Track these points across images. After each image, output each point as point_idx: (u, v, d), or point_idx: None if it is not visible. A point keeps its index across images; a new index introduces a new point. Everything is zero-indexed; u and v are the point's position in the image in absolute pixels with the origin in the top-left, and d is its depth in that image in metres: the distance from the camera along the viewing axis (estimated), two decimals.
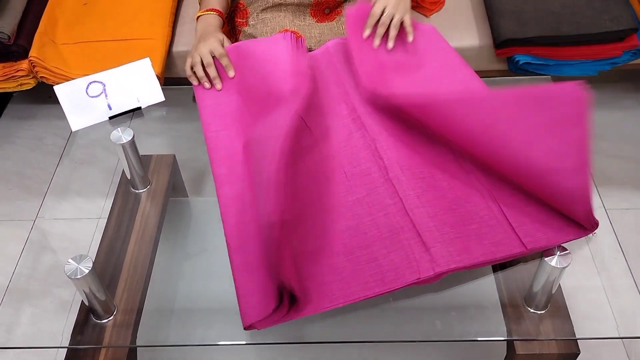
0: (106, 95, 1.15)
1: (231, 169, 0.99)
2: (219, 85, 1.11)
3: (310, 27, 1.26)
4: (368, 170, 0.98)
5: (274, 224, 0.89)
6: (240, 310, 0.83)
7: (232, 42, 1.35)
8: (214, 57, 1.12)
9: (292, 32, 1.16)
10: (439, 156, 0.97)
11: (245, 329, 0.82)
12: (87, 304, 0.90)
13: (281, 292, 0.82)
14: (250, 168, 0.98)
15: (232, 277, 0.88)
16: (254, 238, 0.89)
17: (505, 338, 0.90)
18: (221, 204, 0.95)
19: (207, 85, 1.12)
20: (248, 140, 1.03)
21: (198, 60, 1.12)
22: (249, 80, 1.12)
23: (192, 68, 1.13)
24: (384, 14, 1.12)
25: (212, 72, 1.11)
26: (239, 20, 1.31)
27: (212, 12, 1.22)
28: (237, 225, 0.91)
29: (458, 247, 0.85)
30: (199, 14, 1.23)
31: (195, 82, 1.14)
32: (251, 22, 1.29)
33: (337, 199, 0.95)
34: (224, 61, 1.12)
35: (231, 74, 1.12)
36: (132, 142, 1.05)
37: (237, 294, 0.85)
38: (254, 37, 1.28)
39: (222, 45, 1.13)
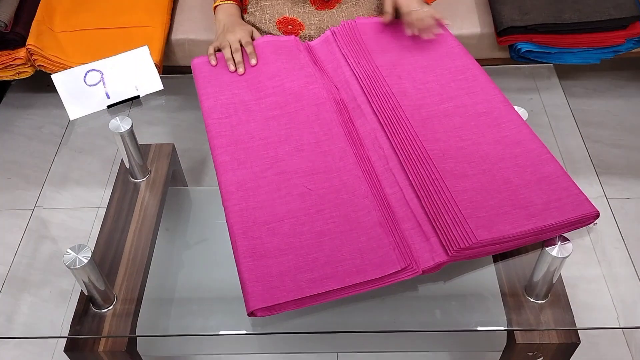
0: (104, 84, 1.14)
1: (233, 157, 0.98)
2: (241, 70, 1.13)
3: (310, 15, 1.25)
4: (368, 159, 0.97)
5: (280, 214, 0.89)
6: (244, 296, 0.83)
7: None
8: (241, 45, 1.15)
9: (295, 37, 1.17)
10: (436, 146, 0.96)
11: (248, 315, 0.82)
12: (86, 293, 0.90)
13: (285, 281, 0.82)
14: (253, 156, 0.98)
15: (232, 265, 0.88)
16: (258, 225, 0.89)
17: (506, 328, 0.90)
18: (223, 191, 0.95)
19: (232, 67, 1.13)
20: (251, 129, 1.02)
21: (227, 44, 1.14)
22: (254, 73, 1.12)
23: (215, 50, 1.16)
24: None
25: (237, 57, 1.13)
26: None
27: (231, 2, 1.24)
28: (240, 212, 0.91)
29: (457, 237, 0.85)
30: (217, 4, 1.23)
31: (214, 62, 1.15)
32: (250, 10, 1.28)
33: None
34: (249, 49, 1.14)
35: (253, 62, 1.14)
36: (131, 131, 1.05)
37: (241, 279, 0.84)
38: (253, 24, 1.27)
39: (251, 37, 1.17)
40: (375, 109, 1.02)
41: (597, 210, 0.87)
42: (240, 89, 1.09)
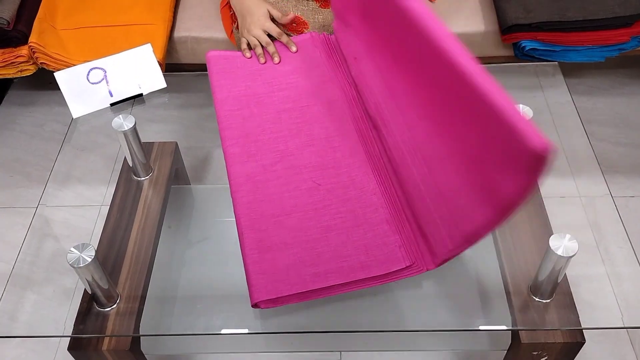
0: (107, 82, 1.13)
1: (244, 149, 0.98)
2: (277, 59, 1.14)
3: (314, 12, 1.24)
4: (379, 156, 0.97)
5: (288, 207, 0.89)
6: (248, 287, 0.83)
7: (237, 27, 1.34)
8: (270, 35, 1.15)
9: (323, 35, 1.16)
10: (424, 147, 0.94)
11: (252, 306, 0.83)
12: (89, 292, 0.90)
13: (290, 275, 0.82)
14: (263, 149, 0.98)
15: (235, 263, 0.88)
16: (265, 218, 0.89)
17: (510, 328, 0.90)
18: (232, 183, 0.95)
19: (262, 60, 1.14)
20: (262, 122, 1.02)
21: (257, 42, 1.15)
22: (270, 69, 1.12)
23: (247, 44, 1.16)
24: None
25: (271, 48, 1.14)
26: None
27: None
28: (248, 204, 0.91)
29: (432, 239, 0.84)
30: None
31: (248, 55, 1.15)
32: None
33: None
34: (284, 39, 1.15)
35: (293, 49, 1.14)
36: (134, 129, 1.04)
37: (246, 271, 0.85)
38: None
39: (271, 19, 1.16)
40: (367, 108, 1.01)
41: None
42: (254, 81, 1.09)
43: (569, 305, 0.89)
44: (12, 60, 1.51)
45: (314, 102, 1.04)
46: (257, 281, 0.83)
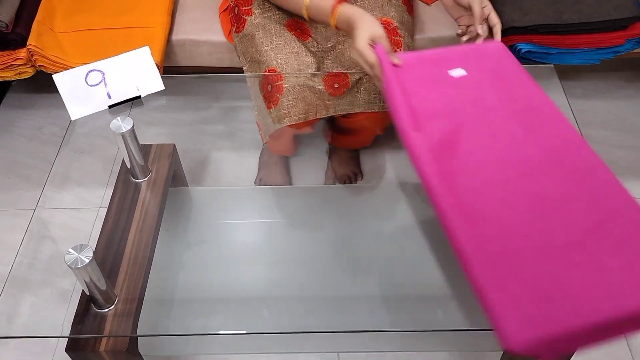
0: (105, 84, 1.14)
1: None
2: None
3: (401, 12, 1.23)
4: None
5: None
6: (498, 330, 0.72)
7: (236, 31, 1.33)
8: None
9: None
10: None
11: (508, 351, 0.72)
12: (87, 293, 0.90)
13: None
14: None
15: (232, 266, 0.88)
16: (501, 248, 0.77)
17: None
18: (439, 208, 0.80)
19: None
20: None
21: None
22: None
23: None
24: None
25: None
26: (243, 8, 1.28)
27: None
28: (477, 237, 0.77)
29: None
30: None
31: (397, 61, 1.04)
32: (256, 11, 1.26)
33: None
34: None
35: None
36: (132, 132, 1.05)
37: (490, 314, 0.73)
38: (262, 26, 1.23)
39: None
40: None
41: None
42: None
43: None
44: (11, 63, 1.51)
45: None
46: (511, 317, 0.70)
